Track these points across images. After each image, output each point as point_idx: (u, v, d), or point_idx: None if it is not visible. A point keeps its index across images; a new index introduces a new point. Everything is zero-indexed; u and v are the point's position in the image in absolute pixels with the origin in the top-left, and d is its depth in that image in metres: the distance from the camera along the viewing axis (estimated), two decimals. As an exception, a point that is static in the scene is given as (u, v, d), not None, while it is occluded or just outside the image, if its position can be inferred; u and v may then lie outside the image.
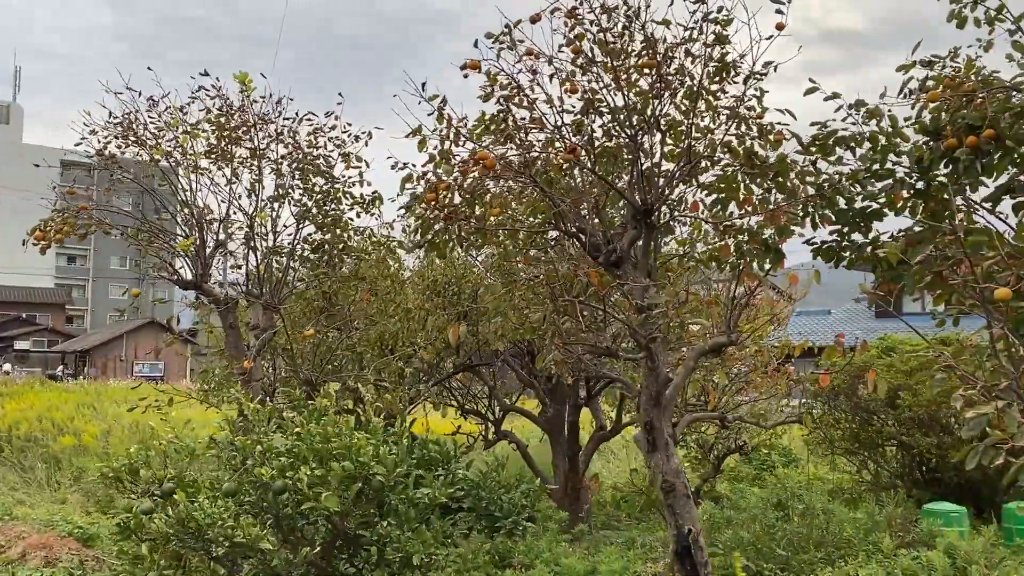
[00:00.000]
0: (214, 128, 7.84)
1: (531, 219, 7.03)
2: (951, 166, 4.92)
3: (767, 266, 6.69)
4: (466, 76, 6.34)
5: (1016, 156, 4.81)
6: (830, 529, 9.52)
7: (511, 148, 6.66)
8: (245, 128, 7.84)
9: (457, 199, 6.16)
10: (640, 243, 6.27)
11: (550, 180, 6.47)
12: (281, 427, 5.26)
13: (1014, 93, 4.92)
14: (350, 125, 8.46)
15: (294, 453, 5.00)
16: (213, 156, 7.93)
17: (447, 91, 6.44)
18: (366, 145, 8.42)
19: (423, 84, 6.24)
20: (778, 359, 12.17)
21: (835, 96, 6.13)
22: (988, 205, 5.13)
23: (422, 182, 6.36)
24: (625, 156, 6.79)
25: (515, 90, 6.42)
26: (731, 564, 8.57)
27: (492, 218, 6.13)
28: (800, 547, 9.29)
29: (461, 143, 6.38)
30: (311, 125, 8.35)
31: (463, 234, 6.25)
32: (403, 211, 5.78)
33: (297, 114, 8.14)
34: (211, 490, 5.03)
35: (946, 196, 5.76)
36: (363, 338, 9.34)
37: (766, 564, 8.95)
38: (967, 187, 5.52)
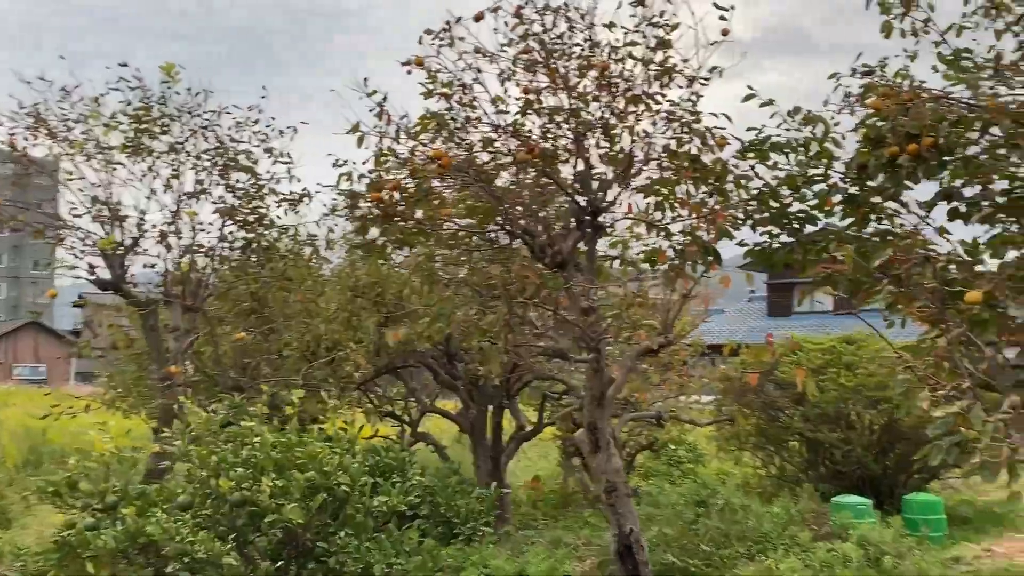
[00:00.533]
0: (131, 120, 7.43)
1: (469, 220, 6.93)
2: (893, 172, 5.05)
3: (700, 268, 6.79)
4: (409, 72, 6.20)
5: (953, 163, 4.99)
6: (749, 524, 9.74)
7: (451, 147, 6.56)
8: (166, 120, 7.46)
9: (397, 198, 6.01)
10: (584, 245, 6.25)
11: (489, 180, 6.39)
12: (233, 436, 4.99)
13: (948, 102, 5.10)
14: (274, 119, 8.18)
15: (252, 463, 4.76)
16: (130, 150, 7.50)
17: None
18: (291, 140, 8.15)
19: (365, 79, 6.07)
20: (693, 357, 12.44)
21: (770, 102, 6.24)
22: (923, 212, 5.29)
23: (362, 180, 6.19)
24: (562, 158, 6.76)
25: (458, 88, 6.32)
26: (660, 561, 8.67)
27: (443, 219, 5.98)
28: (722, 542, 9.48)
29: (402, 141, 6.24)
30: (233, 119, 8.03)
31: (404, 235, 6.09)
32: (336, 210, 5.54)
33: (220, 106, 7.81)
34: (164, 503, 4.72)
35: (875, 201, 5.96)
36: (288, 341, 9.03)
37: (691, 560, 9.09)
38: (896, 193, 5.71)
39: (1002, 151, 5.15)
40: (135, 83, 7.35)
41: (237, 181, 7.98)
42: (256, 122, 8.00)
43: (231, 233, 8.04)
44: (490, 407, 12.11)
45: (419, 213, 5.99)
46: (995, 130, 5.16)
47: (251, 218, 7.96)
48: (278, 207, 8.28)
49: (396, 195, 5.78)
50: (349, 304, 9.48)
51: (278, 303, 8.63)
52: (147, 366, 7.92)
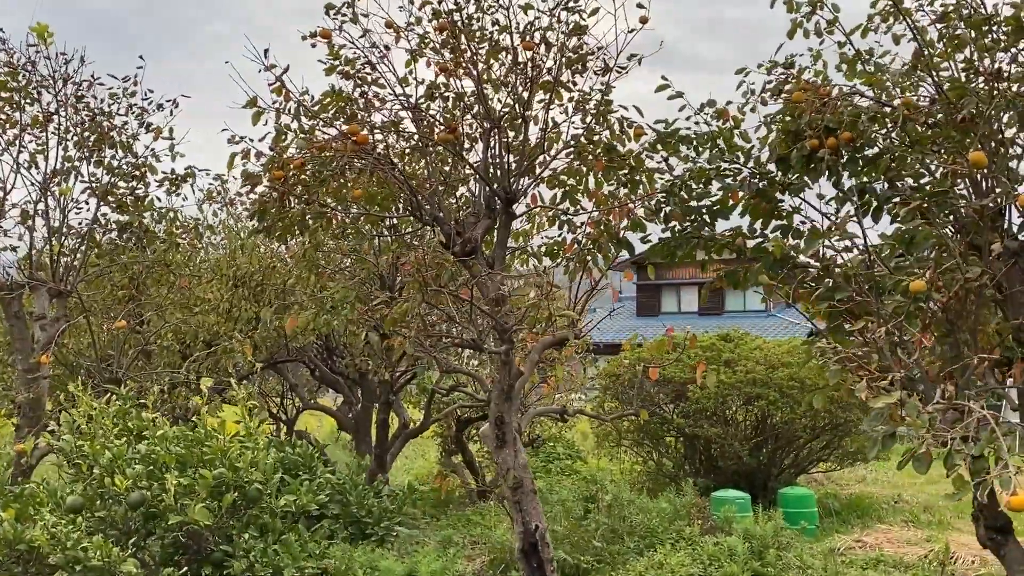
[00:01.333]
0: (-8, 86, 6.68)
1: (368, 205, 6.61)
2: (814, 166, 5.08)
3: (601, 262, 6.71)
4: (313, 46, 5.83)
5: (867, 159, 5.06)
6: (637, 519, 9.78)
7: (355, 126, 6.23)
8: (36, 87, 6.75)
9: (301, 178, 5.63)
10: (497, 233, 6.05)
11: (391, 163, 6.09)
12: (128, 430, 4.49)
13: (862, 99, 5.18)
14: (151, 92, 7.55)
15: (152, 459, 4.27)
16: (-11, 119, 6.76)
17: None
18: (171, 114, 7.54)
19: (265, 51, 5.64)
20: (579, 353, 12.44)
21: (679, 95, 6.21)
22: (831, 207, 5.35)
23: (260, 159, 5.77)
24: (467, 145, 6.53)
25: (364, 65, 5.99)
26: (553, 558, 8.54)
27: (352, 201, 5.65)
28: (611, 538, 9.47)
29: (303, 119, 5.86)
30: (107, 90, 7.36)
31: (308, 219, 5.72)
32: (213, 195, 5.12)
33: (94, 75, 7.13)
34: (52, 505, 4.16)
35: (778, 196, 6.02)
36: (161, 332, 8.42)
37: (583, 556, 9.03)
38: (800, 188, 5.78)
39: (908, 149, 5.30)
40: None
41: (112, 158, 7.32)
42: (133, 94, 7.37)
43: (104, 215, 7.38)
44: (375, 404, 11.75)
45: (325, 198, 5.63)
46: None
47: (128, 199, 7.32)
48: (159, 187, 7.69)
49: (301, 175, 5.40)
50: (230, 294, 8.92)
51: (156, 290, 8.01)
52: (9, 356, 7.17)
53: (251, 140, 5.75)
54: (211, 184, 9.92)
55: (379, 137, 6.17)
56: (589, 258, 6.44)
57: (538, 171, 6.61)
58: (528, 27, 6.15)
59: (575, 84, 6.40)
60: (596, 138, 6.31)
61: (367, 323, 6.81)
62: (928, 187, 4.84)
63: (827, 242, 4.59)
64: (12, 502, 4.19)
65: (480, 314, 5.76)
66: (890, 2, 5.77)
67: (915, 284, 3.70)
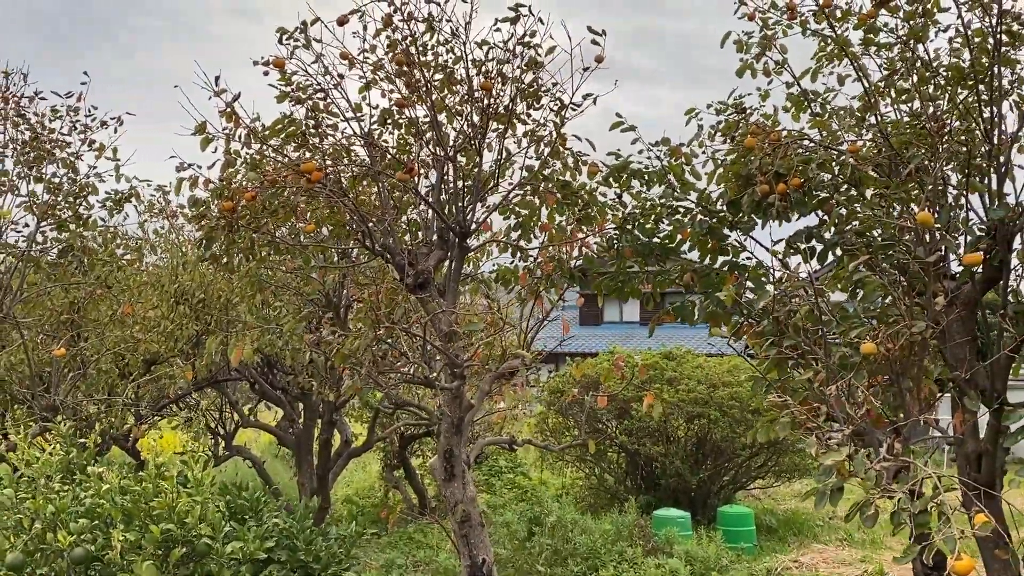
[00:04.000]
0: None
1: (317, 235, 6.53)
2: (763, 210, 5.17)
3: (554, 295, 6.74)
4: (265, 74, 5.73)
5: (815, 202, 5.17)
6: (580, 540, 9.84)
7: (305, 154, 6.15)
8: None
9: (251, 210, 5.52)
10: (449, 265, 6.02)
11: (344, 193, 6.03)
12: (69, 479, 4.32)
13: (811, 144, 5.29)
14: (95, 108, 7.34)
15: (98, 514, 4.11)
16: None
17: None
18: (115, 132, 7.34)
19: (216, 78, 5.52)
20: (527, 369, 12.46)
21: (631, 128, 6.27)
22: (779, 248, 5.45)
23: (208, 186, 5.64)
24: (420, 173, 6.49)
25: (317, 93, 5.91)
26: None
27: (306, 234, 5.57)
28: (555, 561, 9.51)
29: (254, 146, 5.75)
30: (49, 107, 7.13)
31: (256, 247, 5.61)
32: (155, 209, 5.01)
33: (38, 93, 6.90)
34: None
35: (726, 234, 6.12)
36: (96, 352, 8.18)
37: (526, 580, 9.06)
38: (748, 228, 5.89)
39: (852, 194, 5.43)
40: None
41: (53, 176, 7.10)
42: (76, 111, 7.15)
43: (43, 233, 7.14)
44: (318, 421, 11.60)
45: (275, 227, 5.54)
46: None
47: (69, 218, 7.10)
48: (101, 207, 7.47)
49: (250, 205, 5.30)
50: (171, 312, 8.72)
51: (98, 314, 7.78)
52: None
53: (199, 167, 5.62)
54: (152, 196, 9.72)
55: (329, 163, 6.10)
56: (542, 289, 6.46)
57: (491, 200, 6.61)
58: (484, 60, 6.14)
59: (530, 116, 6.41)
60: (549, 171, 6.32)
61: (313, 346, 6.73)
62: (877, 238, 4.97)
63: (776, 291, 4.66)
64: (-55, 556, 4.00)
65: (432, 348, 5.72)
66: (836, 46, 5.91)
67: (866, 347, 3.78)
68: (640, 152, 6.28)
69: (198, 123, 5.61)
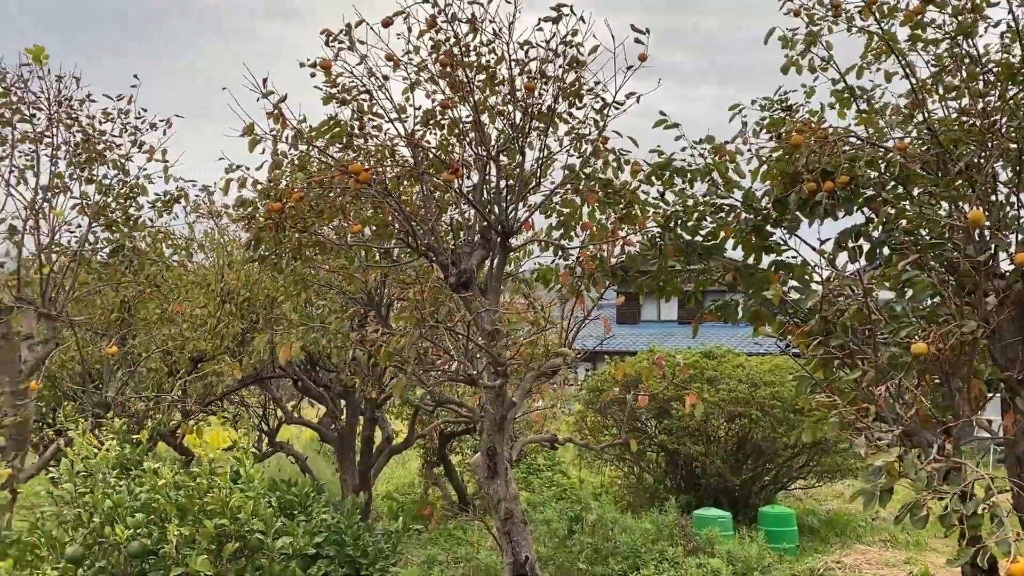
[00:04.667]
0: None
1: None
2: (811, 209, 5.13)
3: (595, 294, 6.74)
4: (312, 75, 5.81)
5: (862, 200, 5.11)
6: (621, 539, 9.82)
7: (349, 155, 6.22)
8: (28, 108, 6.67)
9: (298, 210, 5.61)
10: (492, 265, 6.05)
11: (388, 193, 6.09)
12: (126, 474, 4.43)
13: (858, 142, 5.23)
14: (145, 111, 7.48)
15: (153, 508, 4.22)
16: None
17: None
18: (164, 133, 7.48)
19: (264, 79, 5.61)
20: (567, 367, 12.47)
21: (674, 126, 6.24)
22: (820, 247, 5.40)
23: (256, 187, 5.74)
24: (463, 175, 6.53)
25: (362, 95, 5.98)
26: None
27: (352, 234, 5.64)
28: (595, 559, 9.50)
29: (300, 147, 5.84)
30: (101, 110, 7.28)
31: (303, 249, 5.70)
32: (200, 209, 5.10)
33: (89, 96, 7.05)
34: (51, 554, 4.07)
35: (771, 232, 6.08)
36: (145, 351, 8.35)
37: (567, 578, 9.06)
38: (794, 227, 5.84)
39: (900, 192, 5.36)
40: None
41: (104, 177, 7.26)
42: (126, 113, 7.30)
43: (94, 233, 7.31)
44: (360, 418, 11.71)
45: (324, 228, 5.62)
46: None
47: (120, 219, 7.25)
48: (151, 208, 7.63)
49: (297, 206, 5.37)
50: (217, 311, 8.86)
51: (147, 312, 7.94)
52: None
53: (247, 168, 5.71)
54: (197, 196, 9.87)
55: (373, 164, 6.16)
56: (583, 288, 6.47)
57: (532, 199, 6.64)
58: (526, 60, 6.16)
59: (571, 115, 6.43)
60: (590, 170, 6.33)
61: (356, 345, 6.81)
62: (925, 237, 4.90)
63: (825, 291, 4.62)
64: (8, 548, 4.12)
65: (475, 346, 5.76)
66: (883, 42, 5.84)
67: (917, 347, 3.74)
68: (683, 149, 6.27)
69: (246, 124, 5.70)
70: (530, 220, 6.64)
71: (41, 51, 6.12)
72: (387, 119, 6.25)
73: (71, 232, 7.35)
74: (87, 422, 5.98)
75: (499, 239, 5.98)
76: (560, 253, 6.74)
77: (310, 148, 5.83)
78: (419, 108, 6.31)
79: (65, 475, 4.45)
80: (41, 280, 6.52)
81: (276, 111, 5.75)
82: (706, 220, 6.17)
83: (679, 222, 6.08)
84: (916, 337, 3.89)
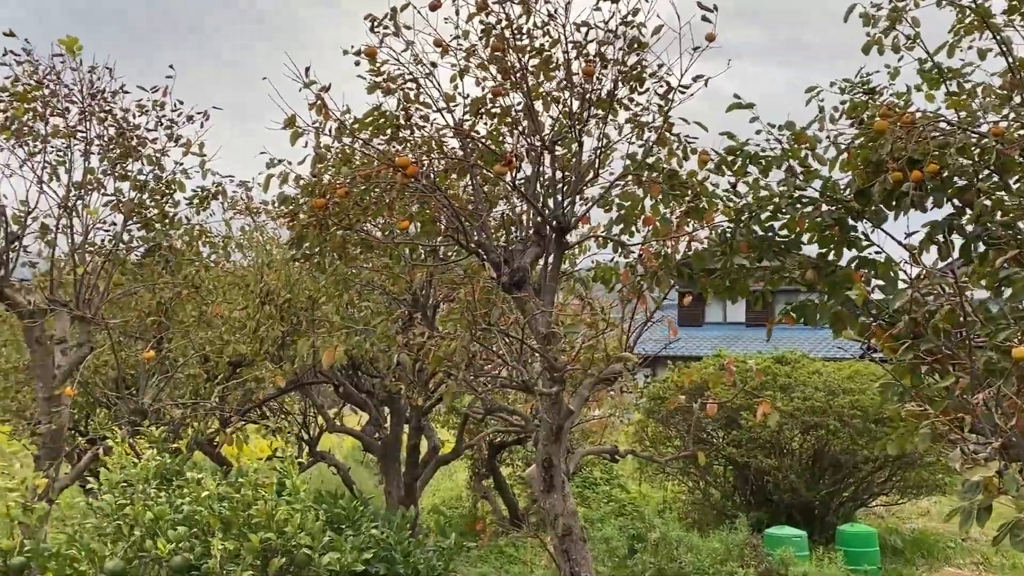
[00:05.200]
0: (15, 98, 6.78)
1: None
2: (897, 200, 5.04)
3: (658, 294, 6.71)
4: (357, 63, 5.88)
5: (954, 191, 5.01)
6: (686, 560, 9.76)
7: (395, 147, 6.28)
8: (60, 100, 6.85)
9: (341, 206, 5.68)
10: (547, 263, 6.06)
11: (436, 187, 6.13)
12: (167, 485, 4.54)
13: (949, 127, 5.13)
14: (181, 103, 7.64)
15: (196, 521, 4.32)
16: (11, 132, 6.86)
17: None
18: (201, 126, 7.62)
19: (307, 69, 5.69)
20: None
21: (749, 107, 6.17)
22: (914, 241, 5.30)
23: (298, 183, 5.82)
24: (516, 166, 6.54)
25: (408, 83, 6.03)
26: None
27: (400, 231, 5.71)
28: (659, 581, 9.47)
29: (344, 139, 5.91)
30: (135, 102, 7.45)
31: (349, 247, 5.77)
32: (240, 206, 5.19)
33: (123, 87, 7.22)
34: (92, 568, 4.19)
35: (853, 226, 5.98)
36: (180, 355, 8.52)
37: (628, 600, 9.05)
38: (880, 220, 5.73)
39: (996, 181, 5.24)
40: (23, 56, 6.72)
41: (139, 172, 7.42)
42: (162, 106, 7.46)
43: (128, 232, 7.48)
44: (405, 426, 11.81)
45: (368, 225, 5.69)
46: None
47: (156, 216, 7.42)
48: (188, 205, 7.79)
49: (341, 202, 5.45)
50: (257, 313, 9.01)
51: (184, 314, 8.11)
52: (26, 383, 7.29)
53: (289, 163, 5.79)
54: (234, 192, 10.03)
55: (421, 156, 6.21)
56: (645, 287, 6.44)
57: (590, 192, 6.63)
58: (582, 42, 6.15)
59: (632, 100, 6.40)
60: (653, 160, 6.29)
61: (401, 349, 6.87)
62: None
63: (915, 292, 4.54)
64: (47, 561, 4.24)
65: (529, 350, 5.77)
66: (976, 17, 5.72)
67: (1018, 351, 3.65)
68: (758, 133, 6.18)
69: (287, 116, 5.78)
70: (588, 215, 6.65)
71: (75, 42, 6.29)
72: (434, 108, 6.30)
73: (105, 231, 7.53)
74: (124, 430, 6.11)
75: (554, 235, 5.98)
76: (620, 250, 6.73)
77: (354, 140, 5.88)
78: (468, 96, 6.36)
79: (105, 486, 4.57)
80: (75, 281, 6.69)
81: (319, 102, 5.82)
82: (782, 213, 6.09)
83: (751, 215, 6.01)
84: (1016, 340, 3.80)
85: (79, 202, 7.08)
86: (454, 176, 6.77)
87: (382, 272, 8.45)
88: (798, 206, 6.04)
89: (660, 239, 6.35)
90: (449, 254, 7.80)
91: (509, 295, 6.00)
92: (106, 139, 7.47)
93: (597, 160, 6.25)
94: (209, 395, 8.39)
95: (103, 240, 7.58)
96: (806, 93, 6.25)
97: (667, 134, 6.27)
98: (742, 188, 6.07)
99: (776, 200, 5.91)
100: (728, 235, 6.08)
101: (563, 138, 6.41)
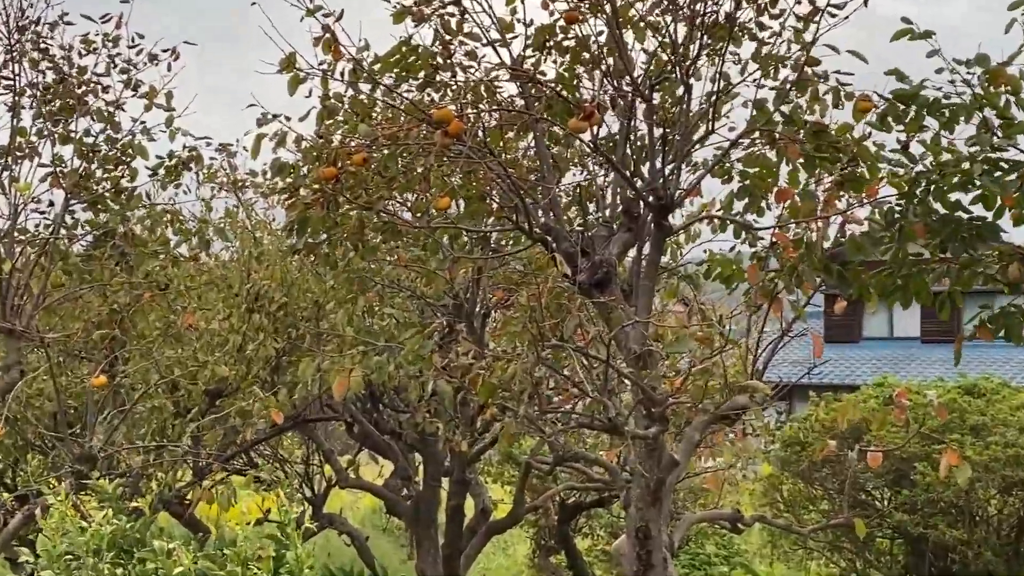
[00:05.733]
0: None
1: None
2: None
3: (798, 295, 6.66)
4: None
5: None
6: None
7: (432, 96, 6.34)
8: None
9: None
10: (641, 254, 6.07)
11: (488, 150, 6.17)
12: (127, 556, 4.61)
13: None
14: (141, 37, 7.75)
15: None
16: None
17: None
18: (168, 69, 7.73)
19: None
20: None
21: (924, 36, 6.07)
22: None
23: (299, 145, 5.92)
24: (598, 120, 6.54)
25: (448, 7, 6.10)
26: None
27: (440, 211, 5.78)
28: None
29: (361, 86, 5.99)
30: (78, 37, 7.61)
31: (367, 232, 5.84)
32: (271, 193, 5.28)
33: (64, 17, 7.33)
34: None
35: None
36: (139, 381, 8.68)
37: None
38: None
39: None
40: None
41: (86, 132, 7.58)
42: (115, 41, 7.59)
43: (72, 214, 7.64)
44: (444, 481, 11.88)
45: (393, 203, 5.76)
46: None
47: (109, 193, 7.55)
48: (152, 177, 7.90)
49: (359, 171, 5.51)
50: (243, 324, 9.14)
51: (146, 326, 8.25)
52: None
53: (287, 119, 5.88)
54: (213, 160, 10.12)
55: (465, 107, 6.26)
56: (779, 288, 6.40)
57: (700, 156, 6.62)
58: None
59: (761, 27, 6.37)
60: (790, 109, 6.25)
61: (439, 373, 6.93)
62: None
63: None
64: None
65: (617, 377, 5.79)
66: None
67: None
68: (939, 71, 6.09)
69: (284, 56, 5.87)
70: (698, 186, 6.64)
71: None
72: (484, 42, 6.34)
73: (40, 213, 7.67)
74: (66, 483, 6.23)
75: (651, 216, 5.97)
76: (744, 235, 6.71)
77: (375, 87, 5.94)
78: (531, 24, 6.39)
79: (43, 559, 4.66)
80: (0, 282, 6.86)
81: (327, 35, 5.90)
82: (973, 183, 6.01)
83: (931, 187, 5.94)
84: None
85: (4, 175, 7.24)
86: (511, 135, 6.80)
87: (412, 268, 8.52)
88: (997, 173, 5.96)
89: (801, 220, 6.31)
90: (504, 243, 7.83)
91: (588, 299, 6.01)
92: (41, 87, 7.61)
93: (711, 111, 6.23)
94: (179, 435, 8.50)
95: (37, 225, 7.75)
96: (1009, 11, 6.13)
97: (810, 72, 6.25)
98: (916, 149, 5.97)
99: (965, 165, 5.82)
100: (898, 214, 6.00)
101: (663, 80, 6.41)
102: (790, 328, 6.61)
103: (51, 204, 7.74)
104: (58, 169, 7.59)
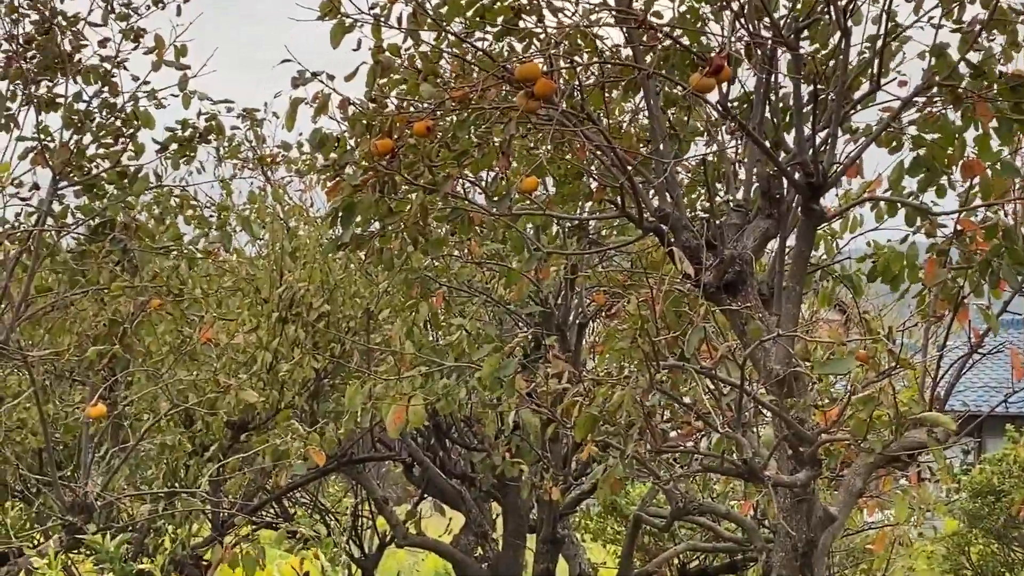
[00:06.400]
0: None
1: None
2: None
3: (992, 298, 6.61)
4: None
5: None
6: None
7: (515, 46, 6.37)
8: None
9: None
10: (784, 247, 6.05)
11: (587, 116, 6.19)
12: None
13: None
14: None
15: None
16: None
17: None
18: (178, 13, 7.80)
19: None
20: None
21: None
22: None
23: (346, 111, 5.98)
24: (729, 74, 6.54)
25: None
26: None
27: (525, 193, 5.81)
28: None
29: (423, 34, 6.04)
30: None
31: (431, 221, 5.89)
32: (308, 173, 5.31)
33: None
34: None
35: None
36: (143, 412, 8.82)
37: None
38: None
39: None
40: None
41: (77, 97, 7.70)
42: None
43: (61, 200, 7.77)
44: (530, 538, 11.93)
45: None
46: None
47: (106, 172, 7.68)
48: (161, 153, 8.00)
49: (421, 142, 5.57)
50: (273, 337, 9.25)
51: (154, 341, 8.37)
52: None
53: (330, 78, 5.94)
54: (236, 131, 10.26)
55: (556, 62, 6.29)
56: (966, 291, 6.36)
57: (859, 119, 6.59)
58: None
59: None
60: (980, 58, 6.21)
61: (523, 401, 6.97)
62: None
63: None
64: None
65: (754, 406, 5.77)
66: None
67: None
68: None
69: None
70: (859, 161, 6.61)
71: None
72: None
73: (21, 199, 7.81)
74: (55, 539, 6.34)
75: (797, 198, 5.95)
76: (920, 222, 6.67)
77: (441, 37, 5.98)
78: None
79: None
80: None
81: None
82: None
83: None
84: None
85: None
86: (615, 95, 6.82)
87: (488, 266, 8.57)
88: None
89: (994, 201, 6.26)
90: (607, 233, 7.85)
91: (716, 306, 6.00)
92: (21, 40, 7.75)
93: (877, 62, 6.20)
94: (195, 479, 8.62)
95: (18, 214, 7.89)
96: None
97: (1007, 7, 6.20)
98: None
99: None
100: None
101: (813, 23, 6.39)
102: (981, 343, 6.57)
103: (35, 187, 7.85)
104: (43, 143, 7.71)
